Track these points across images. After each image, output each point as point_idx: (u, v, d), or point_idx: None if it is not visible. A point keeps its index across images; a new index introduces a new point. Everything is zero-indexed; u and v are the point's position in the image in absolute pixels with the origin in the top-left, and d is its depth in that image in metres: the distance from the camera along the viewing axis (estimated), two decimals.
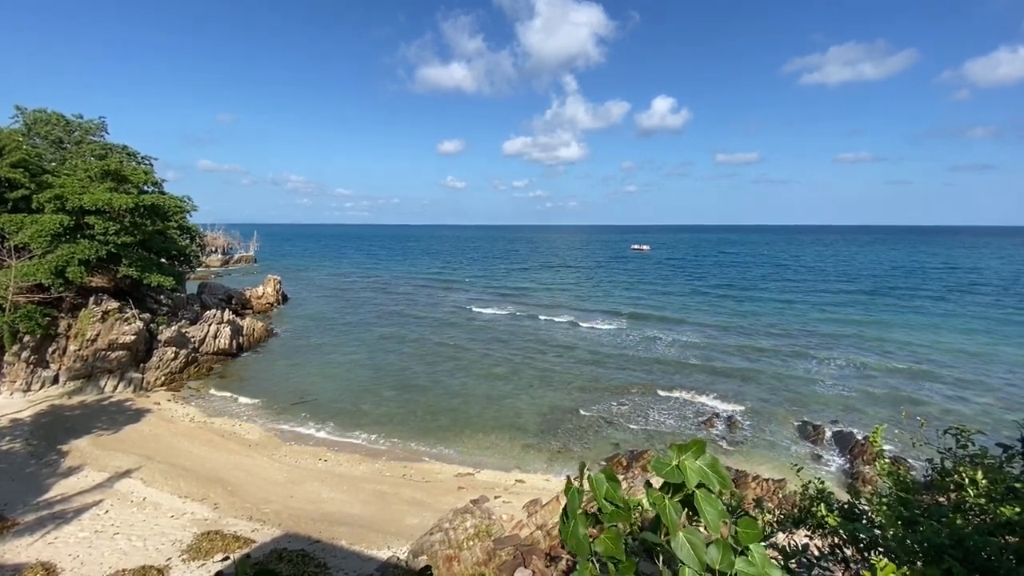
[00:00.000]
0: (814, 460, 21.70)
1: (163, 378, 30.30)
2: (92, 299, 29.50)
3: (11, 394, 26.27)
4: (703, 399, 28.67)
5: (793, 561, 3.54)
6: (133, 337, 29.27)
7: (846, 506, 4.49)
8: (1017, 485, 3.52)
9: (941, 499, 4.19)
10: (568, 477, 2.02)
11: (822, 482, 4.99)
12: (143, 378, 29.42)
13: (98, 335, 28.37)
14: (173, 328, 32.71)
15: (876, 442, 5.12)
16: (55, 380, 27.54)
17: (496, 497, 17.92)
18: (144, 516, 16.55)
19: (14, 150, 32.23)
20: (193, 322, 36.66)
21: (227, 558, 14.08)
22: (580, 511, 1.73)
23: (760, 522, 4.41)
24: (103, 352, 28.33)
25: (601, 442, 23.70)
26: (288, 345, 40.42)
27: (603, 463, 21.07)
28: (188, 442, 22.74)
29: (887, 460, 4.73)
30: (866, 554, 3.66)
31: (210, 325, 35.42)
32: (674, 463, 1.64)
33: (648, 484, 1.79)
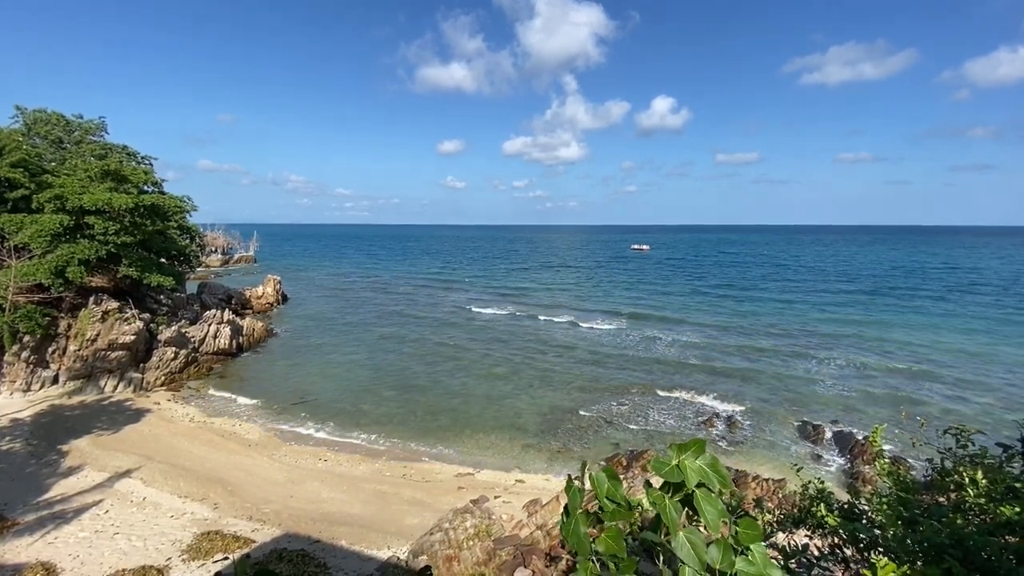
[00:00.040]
0: (814, 460, 21.70)
1: (163, 378, 30.30)
2: (92, 299, 29.50)
3: (11, 394, 26.27)
4: (703, 399, 28.68)
5: (793, 561, 3.54)
6: (133, 337, 29.27)
7: (846, 506, 4.49)
8: (1017, 485, 3.52)
9: (941, 499, 4.19)
10: (569, 475, 2.02)
11: (822, 482, 4.99)
12: (143, 378, 29.42)
13: (98, 335, 28.37)
14: (173, 328, 32.71)
15: (876, 442, 5.13)
16: (55, 380, 27.54)
17: (496, 497, 17.92)
18: (144, 516, 16.55)
19: (14, 150, 32.23)
20: (193, 322, 36.66)
21: (227, 558, 14.07)
22: (581, 510, 1.73)
23: (760, 522, 4.41)
24: (103, 352, 28.32)
25: (601, 442, 23.70)
26: (288, 345, 40.42)
27: (603, 463, 21.07)
28: (188, 442, 22.74)
29: (887, 460, 4.73)
30: (866, 554, 3.66)
31: (210, 325, 35.43)
32: (674, 462, 1.64)
33: (648, 484, 1.79)
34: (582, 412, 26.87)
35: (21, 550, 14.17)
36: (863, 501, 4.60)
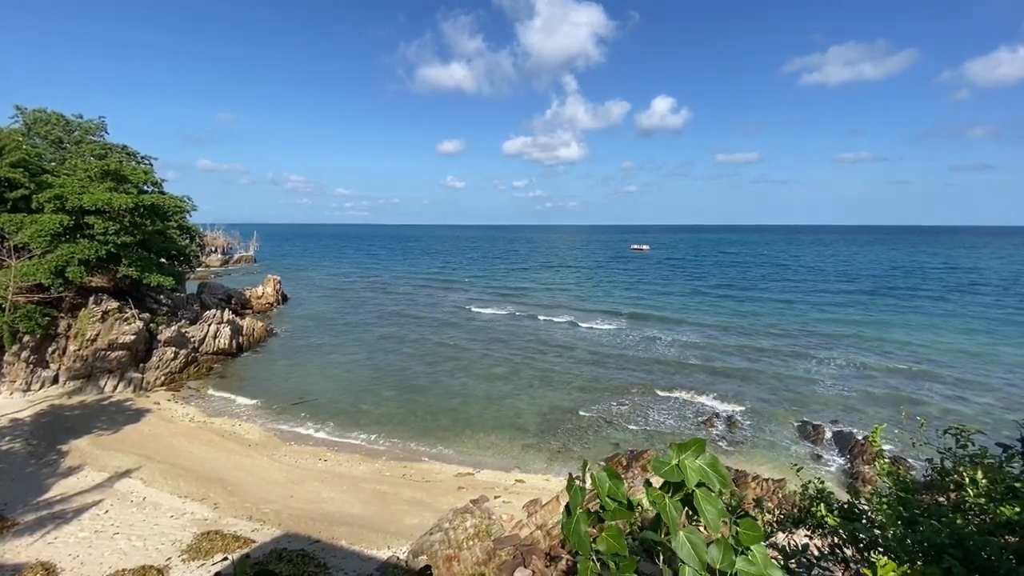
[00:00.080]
0: (814, 460, 21.71)
1: (163, 378, 30.30)
2: (92, 299, 29.50)
3: (11, 394, 26.26)
4: (703, 399, 28.68)
5: (793, 561, 3.54)
6: (133, 337, 29.27)
7: (846, 506, 4.49)
8: (1017, 485, 3.52)
9: (941, 499, 4.19)
10: (570, 474, 2.02)
11: (822, 482, 4.99)
12: (143, 378, 29.41)
13: (98, 335, 28.36)
14: (173, 328, 32.71)
15: (876, 442, 5.13)
16: (55, 380, 27.54)
17: (496, 497, 17.92)
18: (144, 516, 16.55)
19: (14, 150, 32.23)
20: (193, 322, 36.65)
21: (226, 558, 14.07)
22: (583, 509, 1.73)
23: (760, 522, 4.41)
24: (103, 352, 28.32)
25: (601, 442, 23.70)
26: (288, 345, 40.42)
27: (603, 463, 21.07)
28: (188, 442, 22.74)
29: (887, 460, 4.73)
30: (866, 554, 3.66)
31: (210, 325, 35.43)
32: (674, 462, 1.64)
33: (648, 483, 1.79)
34: (582, 412, 26.87)
35: (21, 550, 14.17)
36: (863, 501, 4.60)
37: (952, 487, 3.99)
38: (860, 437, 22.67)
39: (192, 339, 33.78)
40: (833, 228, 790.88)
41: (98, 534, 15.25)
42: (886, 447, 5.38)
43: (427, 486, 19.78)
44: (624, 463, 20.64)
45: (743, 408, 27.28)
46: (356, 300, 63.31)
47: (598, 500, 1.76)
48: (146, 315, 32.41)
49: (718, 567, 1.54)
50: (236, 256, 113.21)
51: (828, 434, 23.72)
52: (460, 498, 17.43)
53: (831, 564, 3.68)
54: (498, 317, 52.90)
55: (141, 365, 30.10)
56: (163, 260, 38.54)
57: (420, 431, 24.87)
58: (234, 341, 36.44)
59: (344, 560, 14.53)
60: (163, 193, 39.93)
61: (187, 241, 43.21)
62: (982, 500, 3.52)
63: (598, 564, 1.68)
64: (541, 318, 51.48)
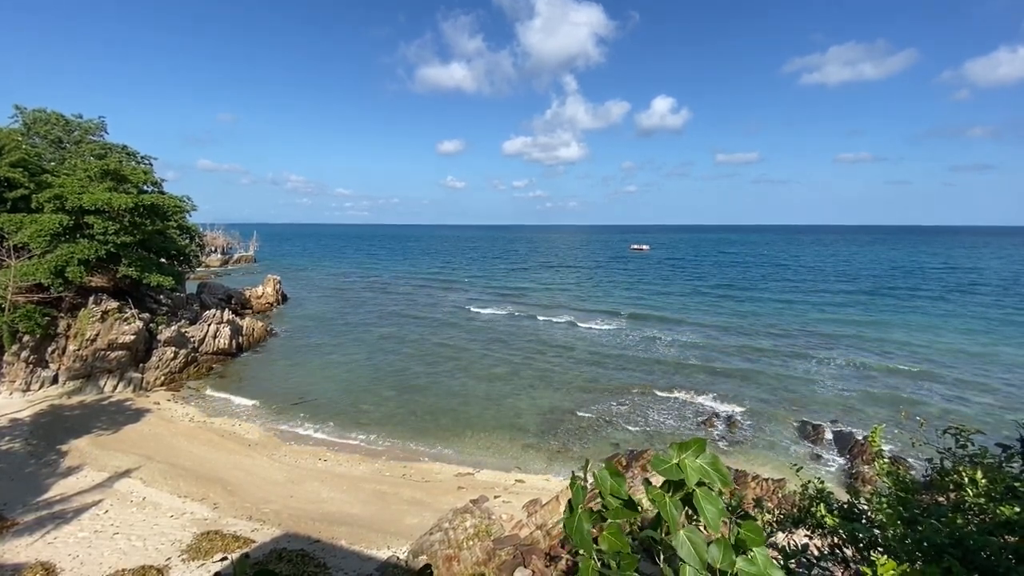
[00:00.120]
0: (814, 460, 21.71)
1: (163, 378, 30.29)
2: (91, 299, 29.49)
3: (10, 394, 26.25)
4: (703, 399, 28.68)
5: (793, 561, 3.54)
6: (132, 337, 29.26)
7: (846, 506, 4.49)
8: (1016, 485, 3.52)
9: (941, 499, 4.19)
10: (573, 472, 2.02)
11: (822, 482, 4.99)
12: (143, 378, 29.40)
13: (97, 335, 28.35)
14: (173, 328, 32.70)
15: (875, 442, 5.13)
16: (54, 380, 27.52)
17: (496, 497, 17.92)
18: (144, 516, 16.54)
19: (13, 150, 32.23)
20: (193, 322, 36.64)
21: (226, 558, 14.07)
22: (585, 508, 1.73)
23: (760, 522, 4.42)
24: (102, 352, 28.31)
25: (601, 442, 23.71)
26: (288, 345, 40.41)
27: (602, 464, 21.05)
28: (188, 442, 22.73)
29: (886, 460, 4.73)
30: (866, 553, 3.66)
31: (209, 325, 35.42)
32: (674, 461, 1.64)
33: (647, 482, 1.79)
34: (582, 412, 26.87)
35: (21, 550, 14.16)
36: (863, 501, 4.60)
37: (952, 487, 3.99)
38: (860, 437, 22.68)
39: (192, 339, 33.77)
40: (833, 228, 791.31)
41: (98, 534, 15.24)
42: (886, 447, 5.38)
43: (427, 486, 19.78)
44: (624, 463, 20.62)
45: (743, 408, 27.28)
46: (356, 300, 63.30)
47: (599, 499, 1.76)
48: (146, 315, 32.40)
49: (718, 566, 1.54)
50: (236, 256, 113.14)
51: (828, 434, 23.73)
52: (460, 498, 17.42)
53: (831, 564, 3.68)
54: (498, 317, 52.89)
55: (141, 365, 30.09)
56: (163, 260, 38.54)
57: (420, 431, 24.87)
58: (234, 341, 36.43)
59: (344, 560, 14.53)
60: (163, 193, 39.93)
61: (187, 241, 43.20)
62: (982, 500, 3.52)
63: (599, 563, 1.68)
64: (541, 318, 51.47)
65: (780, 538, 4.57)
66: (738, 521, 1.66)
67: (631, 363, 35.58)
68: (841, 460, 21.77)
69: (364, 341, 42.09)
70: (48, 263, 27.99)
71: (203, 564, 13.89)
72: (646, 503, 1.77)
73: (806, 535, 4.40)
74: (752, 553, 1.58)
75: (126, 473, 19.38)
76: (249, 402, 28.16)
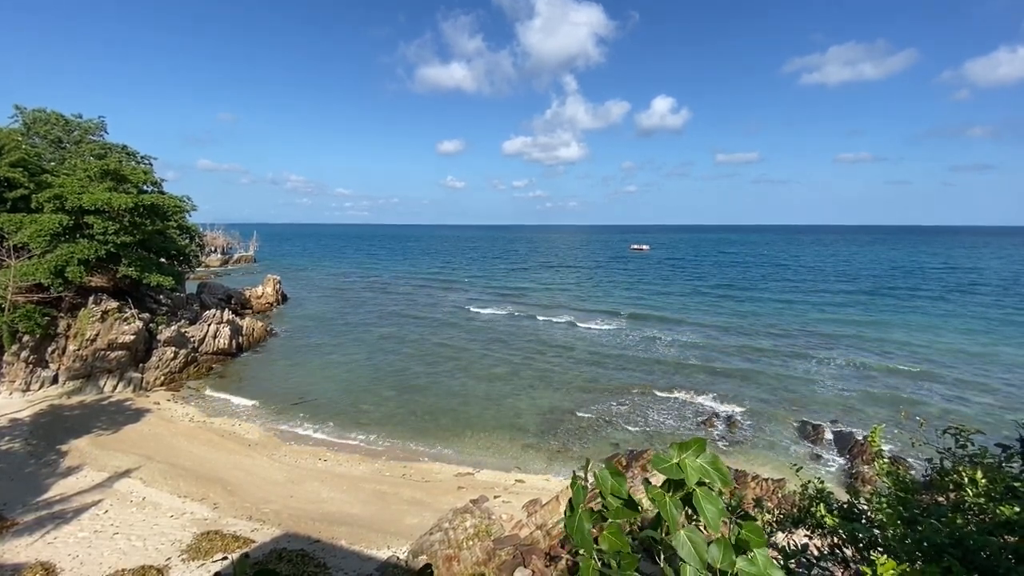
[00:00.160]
0: (814, 460, 21.71)
1: (163, 378, 30.28)
2: (91, 299, 29.48)
3: (10, 394, 26.24)
4: (703, 399, 28.68)
5: (793, 561, 3.54)
6: (132, 337, 29.25)
7: (845, 506, 4.49)
8: (1016, 485, 3.52)
9: (940, 499, 4.19)
10: (574, 472, 2.02)
11: (821, 482, 4.99)
12: (142, 378, 29.40)
13: (97, 335, 28.35)
14: (172, 328, 32.69)
15: (875, 442, 5.13)
16: (54, 380, 27.52)
17: (496, 497, 17.92)
18: (144, 516, 16.54)
19: (13, 149, 32.22)
20: (192, 322, 36.64)
21: (226, 558, 14.07)
22: (585, 507, 1.73)
23: (760, 522, 4.42)
24: (102, 352, 28.31)
25: (600, 442, 23.71)
26: (288, 345, 40.41)
27: (602, 463, 21.06)
28: (188, 442, 22.73)
29: (886, 460, 4.73)
30: (866, 553, 3.67)
31: (209, 325, 35.41)
32: (675, 460, 1.64)
33: (647, 482, 1.79)
34: (581, 412, 26.87)
35: (20, 550, 14.16)
36: (863, 501, 4.61)
37: (952, 487, 3.99)
38: (860, 437, 22.68)
39: (192, 339, 33.77)
40: (833, 228, 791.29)
41: (98, 534, 15.24)
42: (886, 447, 5.39)
43: (427, 486, 19.77)
44: (624, 463, 20.62)
45: (743, 408, 27.28)
46: (356, 300, 63.30)
47: (599, 499, 1.76)
48: (146, 315, 32.40)
49: (719, 566, 1.54)
50: (236, 256, 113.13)
51: (828, 434, 23.73)
52: (460, 498, 17.43)
53: (831, 564, 3.69)
54: (498, 317, 52.89)
55: (141, 365, 30.09)
56: (163, 260, 38.54)
57: (420, 431, 24.86)
58: (234, 341, 36.43)
59: (344, 560, 14.53)
60: (163, 193, 39.93)
61: (187, 241, 43.21)
62: (981, 500, 3.53)
63: (599, 563, 1.68)
64: (541, 318, 51.47)
65: (780, 538, 4.57)
66: (738, 521, 1.66)
67: (631, 363, 35.58)
68: (841, 460, 21.77)
69: (364, 341, 42.09)
70: (48, 263, 27.99)
71: (203, 564, 13.89)
72: (646, 503, 1.77)
73: (806, 535, 4.41)
74: (752, 553, 1.59)
75: (126, 473, 19.38)
76: (249, 402, 28.16)
